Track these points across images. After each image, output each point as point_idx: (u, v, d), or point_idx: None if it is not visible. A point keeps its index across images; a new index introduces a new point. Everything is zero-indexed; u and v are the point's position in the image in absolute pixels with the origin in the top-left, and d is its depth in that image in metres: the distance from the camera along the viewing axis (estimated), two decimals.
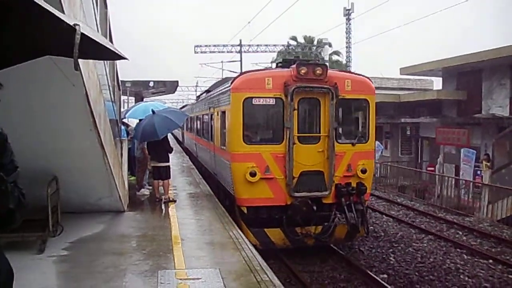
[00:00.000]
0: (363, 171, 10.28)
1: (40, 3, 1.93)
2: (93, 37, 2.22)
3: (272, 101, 9.90)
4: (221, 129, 11.61)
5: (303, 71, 9.81)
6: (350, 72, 11.08)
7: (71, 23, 2.08)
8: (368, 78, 11.17)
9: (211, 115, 13.85)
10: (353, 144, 10.31)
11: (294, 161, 9.80)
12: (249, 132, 10.15)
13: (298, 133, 9.96)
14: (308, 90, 9.99)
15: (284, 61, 11.33)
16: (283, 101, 9.85)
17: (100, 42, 2.39)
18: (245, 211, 10.04)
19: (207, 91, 18.19)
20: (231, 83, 10.30)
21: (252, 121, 10.27)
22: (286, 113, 9.81)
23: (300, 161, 9.90)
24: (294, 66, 10.04)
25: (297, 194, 9.88)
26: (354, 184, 10.28)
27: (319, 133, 10.20)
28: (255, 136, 10.39)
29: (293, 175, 9.83)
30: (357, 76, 11.02)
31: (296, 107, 9.87)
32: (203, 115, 17.05)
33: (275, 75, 10.13)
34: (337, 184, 10.14)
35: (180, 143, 31.91)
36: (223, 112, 11.22)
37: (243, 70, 10.83)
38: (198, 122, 19.16)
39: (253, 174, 9.64)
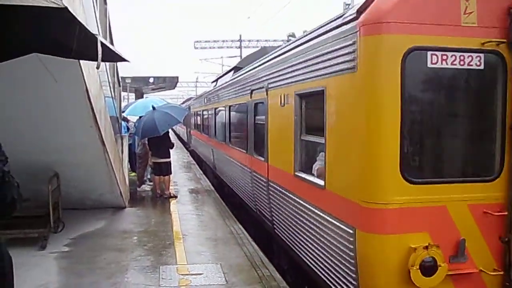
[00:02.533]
0: None
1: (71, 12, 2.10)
2: (106, 44, 2.40)
3: (477, 61, 3.99)
4: (297, 133, 5.63)
5: None
6: None
7: (93, 32, 2.32)
8: None
9: (255, 105, 7.98)
10: None
11: None
12: (416, 150, 4.22)
13: None
14: None
15: None
16: (504, 61, 4.02)
17: (110, 47, 2.58)
18: None
19: (235, 69, 12.11)
20: (360, 11, 4.10)
21: (424, 116, 4.22)
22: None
23: None
24: None
25: None
26: None
27: None
28: (429, 159, 4.39)
29: None
30: None
31: None
32: (229, 106, 10.83)
33: None
34: None
35: (184, 143, 28.77)
36: (310, 95, 5.30)
37: None
38: (218, 117, 13.02)
39: (430, 269, 3.85)
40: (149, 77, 30.51)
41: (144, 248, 7.20)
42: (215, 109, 13.55)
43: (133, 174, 13.56)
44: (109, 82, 9.43)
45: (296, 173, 5.62)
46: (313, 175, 5.24)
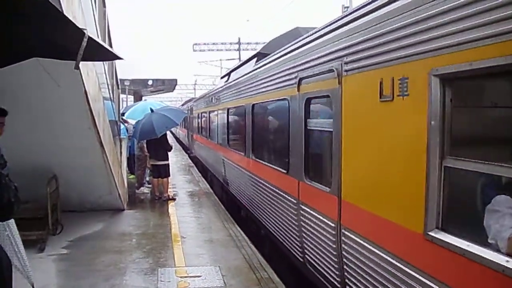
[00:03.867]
0: None
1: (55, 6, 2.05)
2: (98, 41, 2.35)
3: None
4: (434, 153, 2.81)
5: None
6: None
7: (80, 27, 2.24)
8: None
9: (306, 101, 5.20)
10: None
11: None
12: None
13: None
14: None
15: None
16: None
17: (103, 45, 2.52)
18: None
19: (259, 55, 9.05)
20: None
21: None
22: None
23: None
24: None
25: None
26: None
27: None
28: None
29: None
30: None
31: None
32: (251, 105, 8.06)
33: None
34: None
35: (185, 148, 26.65)
36: (492, 76, 2.46)
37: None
38: (233, 120, 10.53)
39: None
40: (147, 80, 30.57)
41: (143, 250, 7.20)
42: (229, 109, 10.63)
43: (132, 176, 13.56)
44: (107, 84, 9.44)
45: (433, 234, 2.83)
46: (489, 245, 2.47)
